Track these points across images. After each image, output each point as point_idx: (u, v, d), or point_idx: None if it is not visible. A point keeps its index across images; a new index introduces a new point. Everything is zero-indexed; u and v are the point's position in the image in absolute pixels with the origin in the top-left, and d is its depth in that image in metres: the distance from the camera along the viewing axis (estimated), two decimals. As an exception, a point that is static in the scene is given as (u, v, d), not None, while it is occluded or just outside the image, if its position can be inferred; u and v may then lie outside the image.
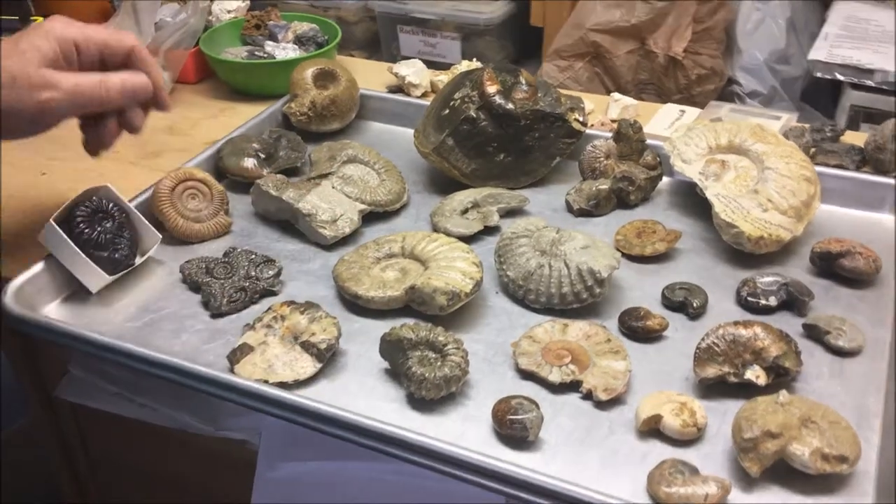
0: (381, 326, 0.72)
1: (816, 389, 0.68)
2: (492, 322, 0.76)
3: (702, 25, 1.58)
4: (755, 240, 0.80)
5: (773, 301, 0.76)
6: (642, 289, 0.80)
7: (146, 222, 0.82)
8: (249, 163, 0.94)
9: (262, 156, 0.96)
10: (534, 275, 0.77)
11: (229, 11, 1.26)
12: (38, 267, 0.78)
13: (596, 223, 0.90)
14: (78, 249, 0.76)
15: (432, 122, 0.95)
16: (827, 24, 1.54)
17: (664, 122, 1.06)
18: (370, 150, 0.95)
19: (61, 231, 0.76)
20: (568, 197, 0.92)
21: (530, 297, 0.77)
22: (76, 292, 0.80)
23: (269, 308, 0.75)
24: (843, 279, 0.79)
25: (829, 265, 0.79)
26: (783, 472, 0.60)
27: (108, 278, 0.78)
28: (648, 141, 0.95)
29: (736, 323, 0.68)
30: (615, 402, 0.67)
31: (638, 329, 0.73)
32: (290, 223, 0.89)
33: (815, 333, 0.73)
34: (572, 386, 0.69)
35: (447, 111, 0.93)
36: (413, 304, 0.76)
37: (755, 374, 0.66)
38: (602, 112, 1.11)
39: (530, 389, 0.69)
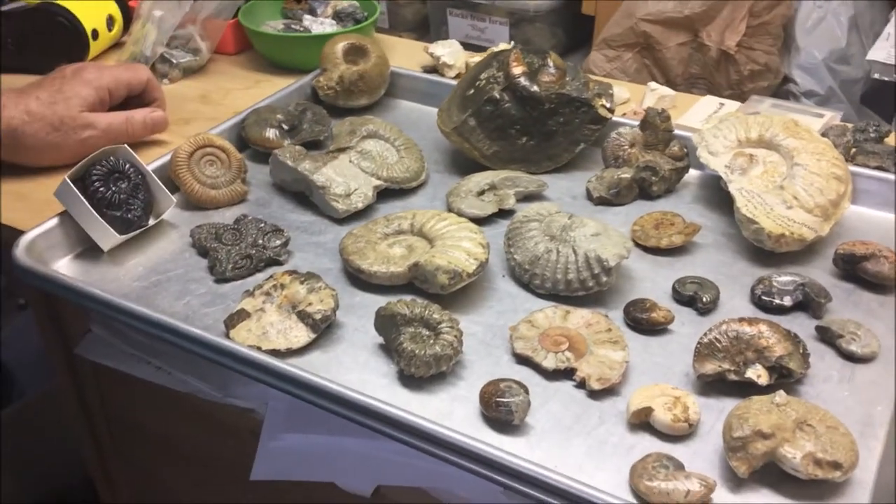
0: (382, 302, 0.71)
1: (822, 393, 0.65)
2: (494, 305, 0.75)
3: (758, 20, 1.52)
4: (776, 237, 0.77)
5: (787, 301, 0.73)
6: (654, 281, 0.77)
7: (161, 185, 0.83)
8: (271, 133, 0.94)
9: (286, 127, 0.96)
10: (540, 259, 0.75)
11: (272, -16, 1.27)
12: (53, 222, 0.79)
13: (616, 212, 0.88)
14: (91, 208, 0.77)
15: (457, 101, 0.93)
16: (890, 24, 1.47)
17: (701, 114, 1.03)
18: (392, 127, 0.94)
19: (75, 188, 0.77)
20: (588, 184, 0.90)
21: (536, 281, 0.75)
22: (88, 249, 0.81)
23: (271, 276, 0.75)
24: (865, 283, 0.76)
25: (853, 268, 0.76)
26: (774, 476, 0.58)
27: (119, 237, 0.79)
28: (677, 132, 0.92)
29: (741, 319, 0.65)
30: (609, 392, 0.65)
31: (642, 321, 0.71)
32: (305, 195, 0.89)
33: (827, 336, 0.69)
34: (567, 373, 0.67)
35: (472, 91, 0.92)
36: (416, 282, 0.75)
37: (756, 374, 0.63)
38: (638, 102, 1.08)
39: (524, 374, 0.67)
